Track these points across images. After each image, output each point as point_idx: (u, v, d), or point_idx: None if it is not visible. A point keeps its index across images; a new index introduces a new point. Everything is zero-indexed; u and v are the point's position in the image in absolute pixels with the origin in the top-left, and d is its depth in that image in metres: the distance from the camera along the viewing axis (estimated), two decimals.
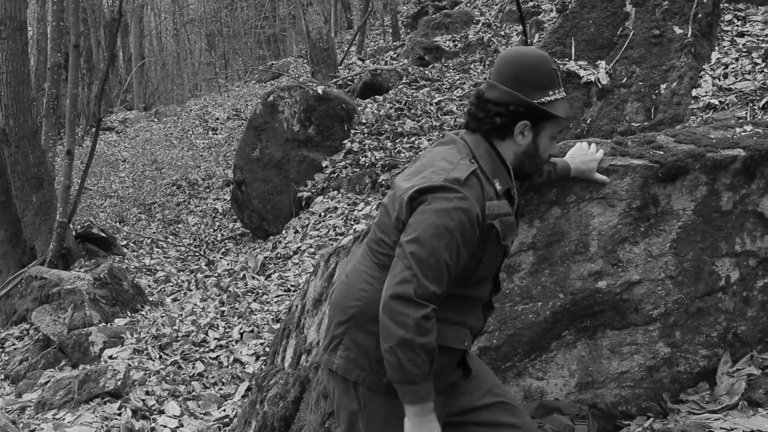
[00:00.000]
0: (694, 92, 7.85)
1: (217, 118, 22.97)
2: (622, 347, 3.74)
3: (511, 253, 3.63)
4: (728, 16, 8.97)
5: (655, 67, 8.29)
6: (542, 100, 2.66)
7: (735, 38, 8.51)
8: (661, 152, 3.77)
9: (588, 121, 8.41)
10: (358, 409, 2.74)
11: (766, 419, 3.37)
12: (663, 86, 8.03)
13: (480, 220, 2.58)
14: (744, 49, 8.26)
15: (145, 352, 7.39)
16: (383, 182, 10.60)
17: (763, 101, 7.13)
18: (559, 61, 8.70)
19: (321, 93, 11.98)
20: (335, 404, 2.85)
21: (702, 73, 8.10)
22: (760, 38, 8.38)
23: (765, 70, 7.74)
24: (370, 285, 2.72)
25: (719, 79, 7.94)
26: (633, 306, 3.69)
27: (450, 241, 2.50)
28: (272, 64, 28.68)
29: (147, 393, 6.55)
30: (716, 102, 7.54)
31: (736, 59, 8.12)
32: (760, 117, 6.78)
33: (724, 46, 8.41)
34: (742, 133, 4.03)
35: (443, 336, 2.61)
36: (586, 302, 3.67)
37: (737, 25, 8.80)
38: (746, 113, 7.05)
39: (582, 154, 3.54)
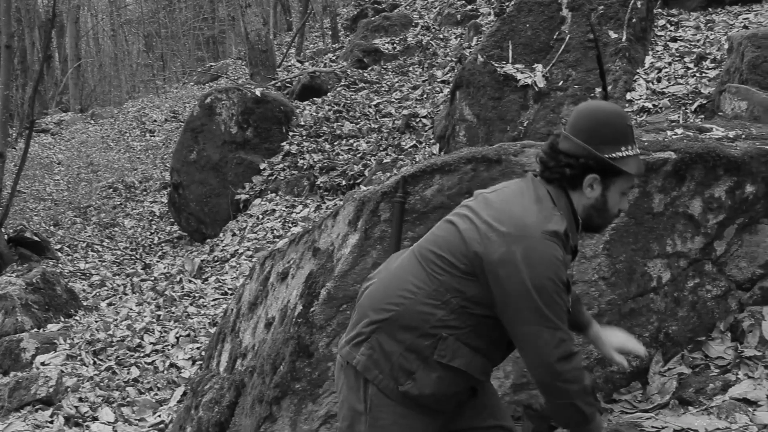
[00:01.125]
0: (628, 96, 7.96)
1: (155, 121, 22.69)
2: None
3: None
4: (661, 21, 9.14)
5: (591, 70, 8.38)
6: (613, 155, 2.64)
7: (668, 43, 8.66)
8: None
9: (525, 124, 8.48)
10: (363, 411, 2.69)
11: (696, 417, 3.41)
12: (598, 90, 8.12)
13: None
14: (677, 54, 8.41)
15: (78, 357, 7.26)
16: (321, 184, 10.57)
17: (695, 105, 7.26)
18: (496, 65, 8.76)
19: (259, 95, 11.91)
20: (340, 400, 2.82)
21: (636, 77, 8.22)
22: (692, 43, 8.54)
23: (697, 74, 7.88)
24: (413, 294, 2.67)
25: (653, 83, 8.07)
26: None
27: (560, 284, 2.53)
28: (211, 65, 28.39)
29: (80, 399, 6.42)
30: (650, 105, 7.65)
31: (669, 63, 8.26)
32: (692, 120, 6.90)
33: (658, 51, 8.55)
34: (673, 136, 4.09)
35: (472, 364, 2.61)
36: None
37: (670, 30, 8.96)
38: (679, 116, 7.16)
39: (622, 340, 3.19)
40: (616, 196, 2.71)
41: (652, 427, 3.43)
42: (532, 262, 2.50)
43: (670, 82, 7.99)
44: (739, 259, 3.98)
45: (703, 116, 6.92)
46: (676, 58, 8.32)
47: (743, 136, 4.21)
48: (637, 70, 8.31)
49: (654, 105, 7.64)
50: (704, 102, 7.21)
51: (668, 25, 9.07)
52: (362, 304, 2.81)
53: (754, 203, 3.91)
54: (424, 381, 2.59)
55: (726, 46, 7.71)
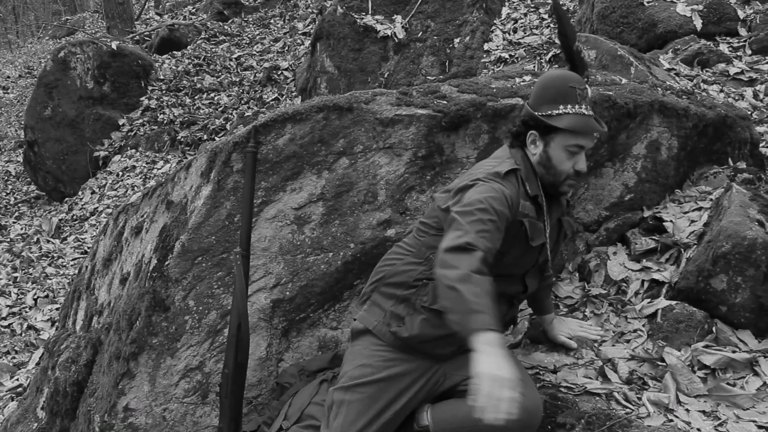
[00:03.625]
0: (486, 46, 8.08)
1: (8, 77, 21.72)
2: None
3: (300, 205, 3.64)
4: None
5: (449, 21, 8.47)
6: (548, 112, 2.95)
7: None
8: (445, 102, 3.86)
9: (385, 75, 8.51)
10: (350, 348, 3.09)
11: (545, 355, 3.55)
12: (456, 40, 8.22)
13: (513, 210, 2.84)
14: (532, 5, 8.58)
15: None
16: (182, 139, 10.38)
17: (550, 55, 7.43)
18: (356, 16, 8.74)
19: (115, 48, 11.55)
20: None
21: (493, 27, 8.35)
22: None
23: (551, 25, 8.06)
24: (401, 257, 3.08)
25: (509, 34, 8.21)
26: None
27: (490, 205, 2.70)
28: (67, 19, 27.25)
29: None
30: (506, 56, 7.79)
31: (525, 14, 8.42)
32: (546, 69, 7.06)
33: (514, 2, 8.70)
34: (521, 83, 4.18)
35: None
36: (376, 251, 3.72)
37: None
38: (534, 66, 7.32)
39: (574, 326, 3.58)
40: (560, 152, 2.97)
41: None
42: (472, 191, 2.80)
43: (525, 33, 8.15)
44: (585, 202, 4.13)
45: (557, 65, 7.10)
46: (531, 9, 8.50)
47: (587, 81, 4.34)
48: (494, 21, 8.44)
49: (510, 55, 7.78)
50: (558, 52, 7.38)
51: None
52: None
53: (598, 147, 4.05)
54: (412, 324, 2.93)
55: None
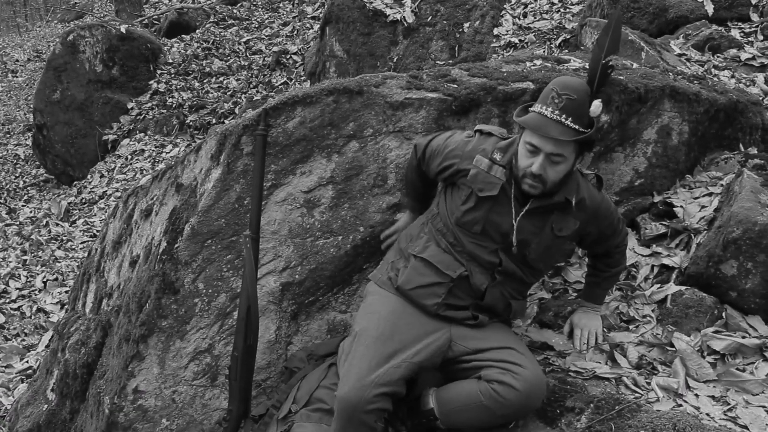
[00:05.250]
0: (495, 31, 8.05)
1: (17, 60, 21.69)
2: None
3: (310, 188, 3.64)
4: None
5: (459, 6, 8.44)
6: (527, 110, 3.08)
7: None
8: (455, 85, 3.85)
9: (395, 60, 8.49)
10: (361, 304, 3.38)
11: (554, 335, 3.55)
12: (466, 25, 8.20)
13: (461, 158, 3.23)
14: None
15: None
16: (191, 123, 10.39)
17: (560, 39, 7.40)
18: (365, 0, 8.71)
19: (124, 32, 11.54)
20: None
21: (503, 12, 8.31)
22: None
23: (561, 9, 8.02)
24: (419, 220, 3.45)
25: (519, 18, 8.18)
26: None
27: (444, 137, 3.37)
28: (75, 2, 27.20)
29: None
30: (516, 40, 7.76)
31: None
32: (555, 54, 7.03)
33: None
34: (532, 67, 4.17)
35: (437, 258, 3.20)
36: None
37: None
38: (544, 51, 7.29)
39: (582, 324, 3.58)
40: (522, 148, 3.07)
41: None
42: None
43: (535, 18, 8.12)
44: None
45: (567, 50, 7.07)
46: None
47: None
48: (504, 6, 8.40)
49: (520, 40, 7.75)
50: (568, 37, 7.36)
51: None
52: None
53: (609, 132, 4.04)
54: (405, 273, 3.23)
55: None
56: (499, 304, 3.22)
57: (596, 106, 2.98)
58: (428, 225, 3.31)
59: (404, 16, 8.48)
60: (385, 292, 3.28)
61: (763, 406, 2.93)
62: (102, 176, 10.39)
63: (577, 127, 2.93)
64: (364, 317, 3.21)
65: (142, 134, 10.69)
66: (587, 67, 4.15)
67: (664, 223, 3.98)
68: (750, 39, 6.22)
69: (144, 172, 9.69)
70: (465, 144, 3.26)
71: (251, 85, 10.88)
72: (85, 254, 7.93)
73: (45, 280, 7.53)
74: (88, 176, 10.80)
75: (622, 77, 4.08)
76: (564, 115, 2.92)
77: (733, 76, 5.63)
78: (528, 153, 3.01)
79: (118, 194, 9.42)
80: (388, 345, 3.04)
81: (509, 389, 2.91)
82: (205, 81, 11.40)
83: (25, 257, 8.31)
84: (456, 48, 8.13)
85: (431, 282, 3.17)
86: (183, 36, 13.33)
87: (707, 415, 2.89)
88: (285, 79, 10.71)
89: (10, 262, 8.20)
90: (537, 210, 3.14)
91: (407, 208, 3.65)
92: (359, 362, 3.00)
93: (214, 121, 10.31)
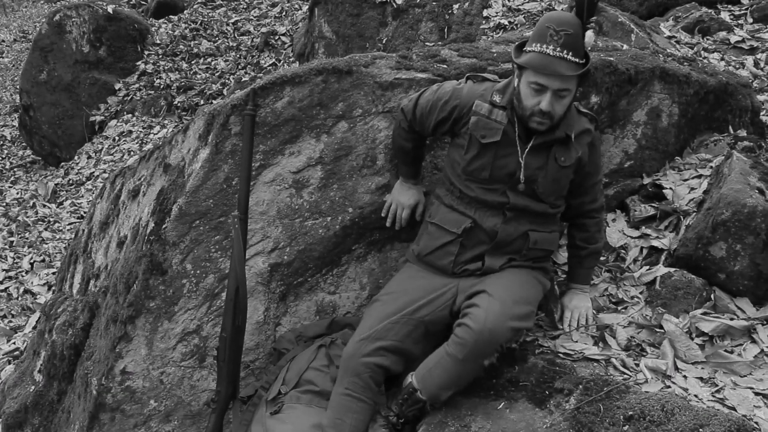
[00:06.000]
0: (485, 12, 8.02)
1: (3, 41, 21.53)
2: None
3: (299, 168, 3.62)
4: None
5: None
6: (523, 49, 3.12)
7: None
8: (445, 66, 3.83)
9: (384, 41, 8.46)
10: None
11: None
12: (455, 6, 8.16)
13: (458, 106, 3.30)
14: None
15: None
16: (179, 104, 10.34)
17: None
18: None
19: (111, 12, 11.47)
20: None
21: None
22: None
23: None
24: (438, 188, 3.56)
25: (508, 0, 8.15)
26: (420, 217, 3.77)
27: (432, 91, 3.41)
28: None
29: None
30: (506, 22, 7.74)
31: None
32: None
33: None
34: None
35: (445, 219, 3.35)
36: (374, 215, 3.71)
37: None
38: None
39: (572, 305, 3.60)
40: (525, 88, 3.11)
41: None
42: None
43: None
44: None
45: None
46: None
47: (588, 48, 4.31)
48: None
49: (510, 22, 7.73)
50: None
51: None
52: None
53: (599, 113, 4.03)
54: (422, 240, 3.43)
55: None
56: (516, 239, 3.30)
57: (589, 36, 3.14)
58: (439, 189, 3.48)
59: None
60: (408, 264, 3.50)
61: (751, 388, 2.94)
62: (89, 157, 10.34)
63: (577, 60, 3.04)
64: (385, 286, 3.47)
65: (130, 115, 10.64)
66: None
67: (653, 204, 3.99)
68: (739, 22, 6.22)
69: (132, 153, 9.65)
70: (458, 91, 3.32)
71: (239, 66, 10.83)
72: (72, 235, 7.90)
73: (32, 261, 7.51)
74: (76, 157, 10.75)
75: (612, 58, 4.07)
76: (565, 51, 3.00)
77: (722, 59, 5.63)
78: (533, 92, 3.09)
79: (106, 175, 9.38)
80: (390, 305, 3.26)
81: (465, 329, 3.00)
82: (193, 62, 11.35)
83: (11, 238, 8.28)
84: (445, 29, 8.10)
85: (442, 243, 3.34)
86: (171, 16, 13.25)
87: (695, 396, 2.90)
88: (273, 60, 10.67)
89: None
90: (541, 145, 3.24)
91: (400, 175, 3.66)
92: (364, 322, 3.27)
93: (202, 102, 10.26)
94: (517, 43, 3.21)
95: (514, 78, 3.19)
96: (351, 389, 3.16)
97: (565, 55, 3.00)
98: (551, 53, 3.00)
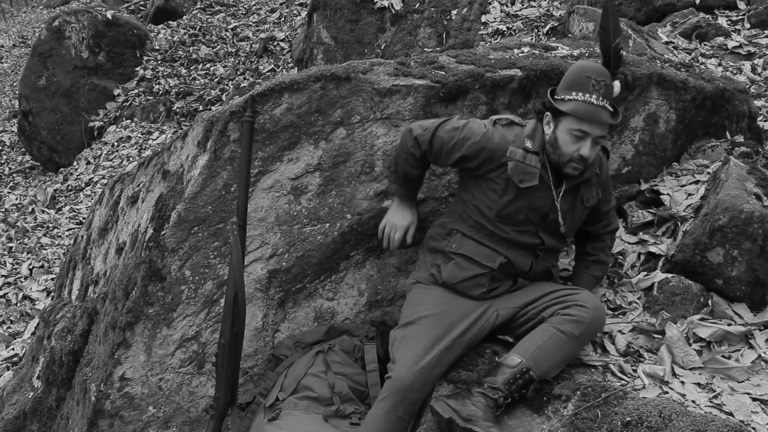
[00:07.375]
0: (483, 18, 8.04)
1: (2, 46, 21.55)
2: (408, 265, 3.83)
3: (297, 175, 3.63)
4: None
5: None
6: (560, 97, 3.18)
7: None
8: (443, 72, 3.84)
9: (382, 47, 8.48)
10: (406, 297, 3.48)
11: None
12: (454, 12, 8.18)
13: (489, 150, 3.27)
14: None
15: None
16: (178, 110, 10.35)
17: (547, 27, 7.40)
18: None
19: (110, 18, 11.49)
20: None
21: None
22: None
23: None
24: (440, 218, 3.60)
25: (507, 6, 8.17)
26: (419, 224, 3.77)
27: (454, 127, 3.34)
28: None
29: None
30: (504, 28, 7.76)
31: None
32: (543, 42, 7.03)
33: None
34: (520, 54, 4.16)
35: (475, 251, 3.33)
36: (373, 222, 3.71)
37: None
38: (532, 38, 7.29)
39: None
40: (565, 135, 3.19)
41: None
42: None
43: (523, 5, 8.12)
44: None
45: (554, 38, 7.06)
46: None
47: (587, 54, 4.33)
48: None
49: (508, 27, 7.75)
50: (556, 24, 7.36)
51: None
52: None
53: None
54: (447, 269, 3.35)
55: None
56: (542, 275, 3.44)
57: (617, 86, 3.24)
58: (457, 223, 3.42)
59: (392, 3, 8.46)
60: (428, 286, 3.40)
61: (749, 393, 2.94)
62: (88, 163, 10.35)
63: (612, 109, 3.18)
64: (412, 308, 3.34)
65: (129, 121, 10.65)
66: (574, 54, 4.17)
67: (650, 210, 3.99)
68: (737, 27, 6.23)
69: (130, 159, 9.66)
70: (489, 136, 3.30)
71: (238, 72, 10.85)
72: (71, 241, 7.91)
73: (31, 267, 7.51)
74: (75, 163, 10.76)
75: None
76: (606, 101, 3.13)
77: (719, 64, 5.64)
78: (575, 139, 3.18)
79: (105, 181, 9.39)
80: (435, 329, 3.20)
81: (580, 308, 3.12)
82: (192, 68, 11.37)
83: (10, 244, 8.28)
84: (444, 35, 8.12)
85: (474, 274, 3.32)
86: (170, 22, 13.28)
87: (693, 402, 2.90)
88: (272, 66, 10.68)
89: None
90: (571, 188, 3.33)
91: (396, 196, 3.60)
92: (414, 345, 3.15)
93: (201, 107, 10.27)
94: (548, 92, 3.29)
95: (544, 124, 3.29)
96: (404, 417, 3.12)
97: (607, 105, 3.14)
98: (595, 102, 3.11)
